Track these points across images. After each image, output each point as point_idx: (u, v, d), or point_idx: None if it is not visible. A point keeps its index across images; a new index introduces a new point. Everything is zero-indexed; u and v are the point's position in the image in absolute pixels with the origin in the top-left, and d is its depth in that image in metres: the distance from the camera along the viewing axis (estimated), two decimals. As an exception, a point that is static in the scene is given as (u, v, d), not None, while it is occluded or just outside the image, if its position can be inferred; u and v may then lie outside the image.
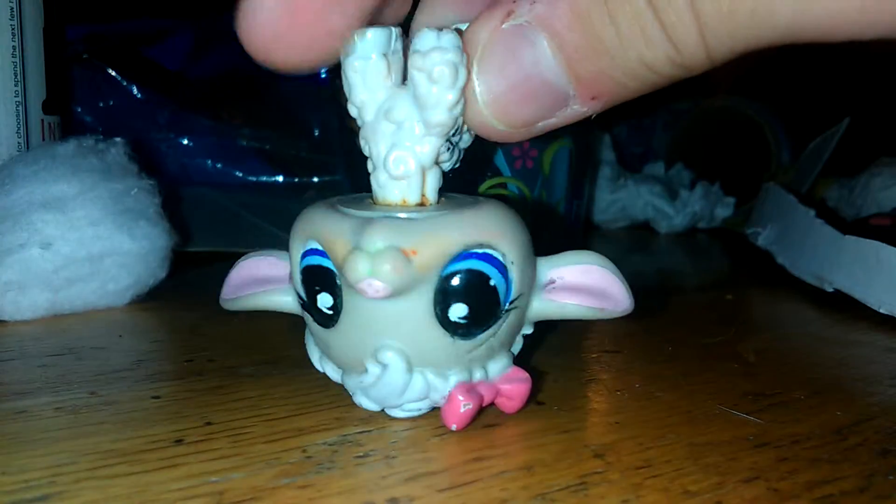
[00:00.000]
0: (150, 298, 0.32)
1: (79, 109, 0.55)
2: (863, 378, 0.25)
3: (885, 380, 0.24)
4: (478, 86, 0.18)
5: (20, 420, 0.19)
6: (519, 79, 0.17)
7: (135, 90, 0.57)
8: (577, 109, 0.18)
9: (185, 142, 0.58)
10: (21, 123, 0.35)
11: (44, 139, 0.36)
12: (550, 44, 0.17)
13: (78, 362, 0.24)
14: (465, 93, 0.18)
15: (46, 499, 0.15)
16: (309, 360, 0.21)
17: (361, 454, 0.18)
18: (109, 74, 0.56)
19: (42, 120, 0.36)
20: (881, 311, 0.31)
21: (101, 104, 0.56)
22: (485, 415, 0.20)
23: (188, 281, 0.36)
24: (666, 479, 0.17)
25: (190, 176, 0.57)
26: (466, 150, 0.20)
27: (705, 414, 0.21)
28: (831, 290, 0.34)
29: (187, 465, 0.17)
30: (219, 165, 0.59)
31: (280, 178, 0.59)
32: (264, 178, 0.59)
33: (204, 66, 0.60)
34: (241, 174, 0.59)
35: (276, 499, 0.15)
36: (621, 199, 0.59)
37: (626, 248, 0.55)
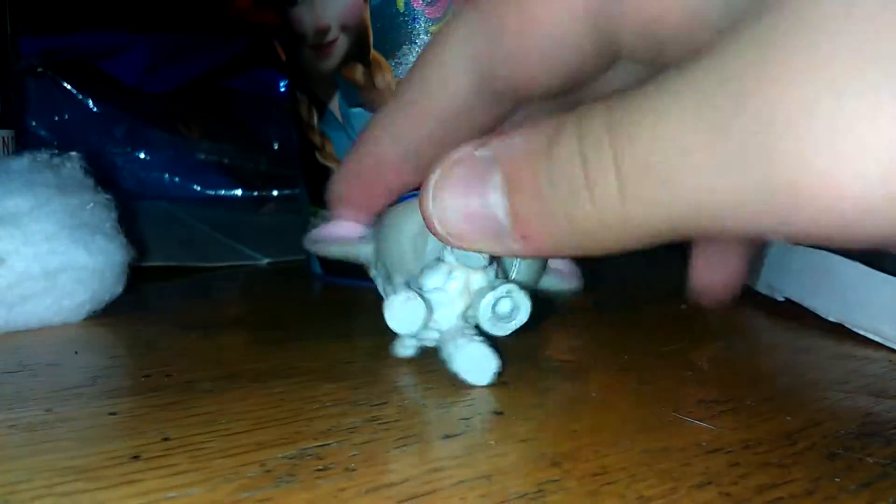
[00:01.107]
0: (107, 314, 0.32)
1: (34, 123, 0.54)
2: (812, 384, 0.26)
3: (834, 385, 0.25)
4: (432, 201, 0.19)
5: (-27, 439, 0.19)
6: (468, 206, 0.19)
7: (91, 104, 0.56)
8: (512, 246, 0.19)
9: (142, 156, 0.58)
10: (-27, 138, 0.34)
11: (-3, 154, 0.36)
12: (502, 178, 0.18)
13: (33, 379, 0.24)
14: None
15: (1, 517, 0.15)
16: (267, 374, 0.21)
17: (321, 467, 0.18)
18: (65, 88, 0.55)
19: (-5, 134, 0.36)
20: (830, 318, 0.32)
21: (57, 118, 0.55)
22: (443, 425, 0.20)
23: (145, 296, 0.36)
24: (622, 486, 0.17)
25: (147, 190, 0.56)
26: None
27: (660, 421, 0.21)
28: (782, 298, 0.35)
29: (145, 482, 0.17)
30: (176, 179, 0.58)
31: (238, 192, 0.59)
32: (222, 192, 0.59)
33: (161, 80, 0.60)
34: (199, 188, 0.59)
35: (235, 513, 0.15)
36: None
37: (582, 258, 0.55)
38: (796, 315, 0.33)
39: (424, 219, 0.20)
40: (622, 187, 0.16)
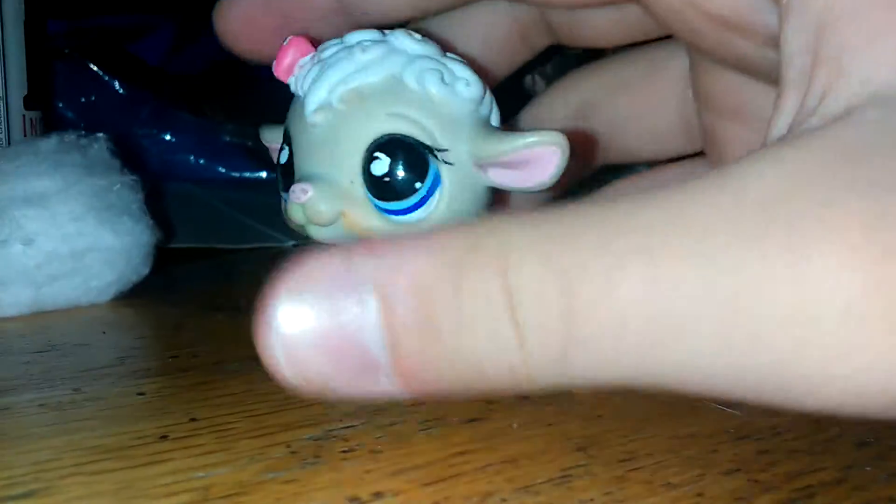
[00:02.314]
0: (134, 295, 0.32)
1: (60, 105, 0.55)
2: (842, 371, 0.25)
3: (864, 373, 0.25)
4: (278, 317, 0.14)
5: (3, 417, 0.19)
6: (329, 328, 0.14)
7: (117, 86, 0.56)
8: (386, 387, 0.14)
9: (168, 137, 0.58)
10: (2, 119, 0.35)
11: (25, 135, 0.36)
12: (379, 308, 0.14)
13: (62, 359, 0.24)
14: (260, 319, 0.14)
15: (31, 495, 0.15)
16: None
17: (346, 449, 0.18)
18: (91, 70, 0.56)
19: (23, 115, 0.36)
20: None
21: (83, 100, 0.55)
22: (468, 409, 0.20)
23: (171, 277, 0.36)
24: (648, 472, 0.17)
25: (173, 172, 0.57)
26: None
27: (686, 407, 0.21)
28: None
29: (173, 461, 0.17)
30: (202, 161, 0.59)
31: (263, 174, 0.59)
32: (248, 174, 0.59)
33: (186, 61, 0.60)
34: (224, 170, 0.59)
35: (261, 493, 0.15)
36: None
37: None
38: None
39: (257, 345, 0.14)
40: (572, 336, 0.12)
